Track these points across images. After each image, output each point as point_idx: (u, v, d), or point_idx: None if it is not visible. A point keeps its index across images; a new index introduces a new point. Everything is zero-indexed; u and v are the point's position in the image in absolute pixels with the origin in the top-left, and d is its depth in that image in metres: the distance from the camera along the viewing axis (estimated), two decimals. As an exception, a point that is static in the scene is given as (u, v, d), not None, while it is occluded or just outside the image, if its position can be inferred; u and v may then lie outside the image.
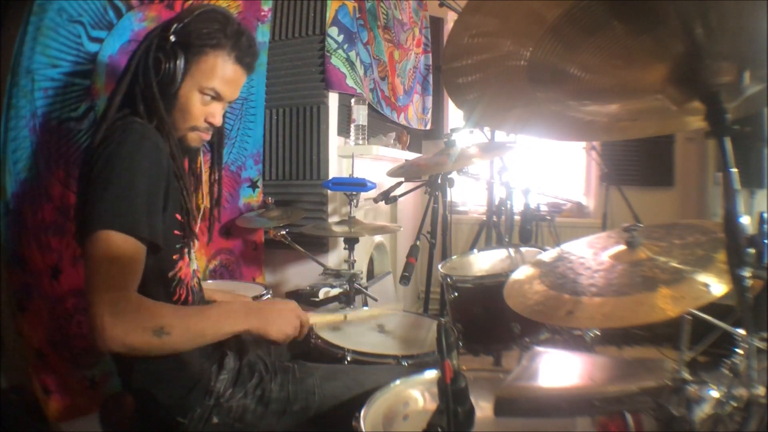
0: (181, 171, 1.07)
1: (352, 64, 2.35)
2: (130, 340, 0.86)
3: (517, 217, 2.45)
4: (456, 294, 1.39)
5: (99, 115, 1.11)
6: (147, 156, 0.97)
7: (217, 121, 1.13)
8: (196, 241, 1.16)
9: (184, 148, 1.14)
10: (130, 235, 0.90)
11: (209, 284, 1.86)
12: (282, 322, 1.02)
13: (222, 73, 1.09)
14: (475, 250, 1.73)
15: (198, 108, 1.09)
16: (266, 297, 1.61)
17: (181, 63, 1.05)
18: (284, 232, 1.97)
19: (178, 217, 1.07)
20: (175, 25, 1.05)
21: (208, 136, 1.17)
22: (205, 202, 1.31)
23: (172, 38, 1.04)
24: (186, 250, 1.11)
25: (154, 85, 1.04)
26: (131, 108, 1.06)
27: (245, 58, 1.11)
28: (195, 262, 1.18)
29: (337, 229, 1.97)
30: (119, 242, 0.89)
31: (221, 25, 1.08)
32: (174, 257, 1.06)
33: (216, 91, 1.09)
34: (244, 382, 1.08)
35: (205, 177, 1.31)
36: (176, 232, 1.06)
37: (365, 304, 2.05)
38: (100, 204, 0.91)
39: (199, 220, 1.20)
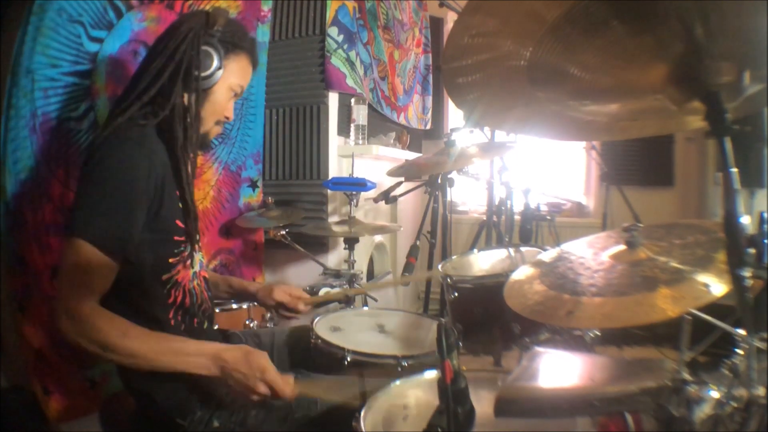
0: (184, 173, 1.08)
1: (352, 64, 2.35)
2: (81, 344, 0.93)
3: (517, 217, 2.45)
4: (456, 294, 1.39)
5: (119, 100, 1.11)
6: (136, 167, 0.98)
7: (232, 116, 1.21)
8: (198, 245, 1.16)
9: (206, 142, 1.20)
10: (101, 249, 0.94)
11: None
12: (243, 381, 0.96)
13: (246, 72, 1.19)
14: (475, 250, 1.73)
15: (225, 103, 1.17)
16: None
17: (224, 60, 1.11)
18: (284, 232, 1.97)
19: (178, 222, 1.07)
20: (216, 23, 1.11)
21: (220, 131, 1.24)
22: (205, 202, 1.32)
23: (219, 35, 1.10)
24: (186, 253, 1.10)
25: (199, 78, 1.08)
26: (155, 101, 1.06)
27: (255, 59, 1.22)
28: (199, 264, 1.17)
29: (337, 229, 1.98)
30: (88, 254, 0.93)
31: (246, 31, 1.19)
32: (170, 261, 1.06)
33: (242, 88, 1.19)
34: None
35: (205, 176, 1.31)
36: (175, 237, 1.06)
37: (365, 304, 2.05)
38: (80, 211, 0.95)
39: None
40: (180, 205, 1.08)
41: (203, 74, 1.08)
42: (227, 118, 1.20)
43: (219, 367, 0.97)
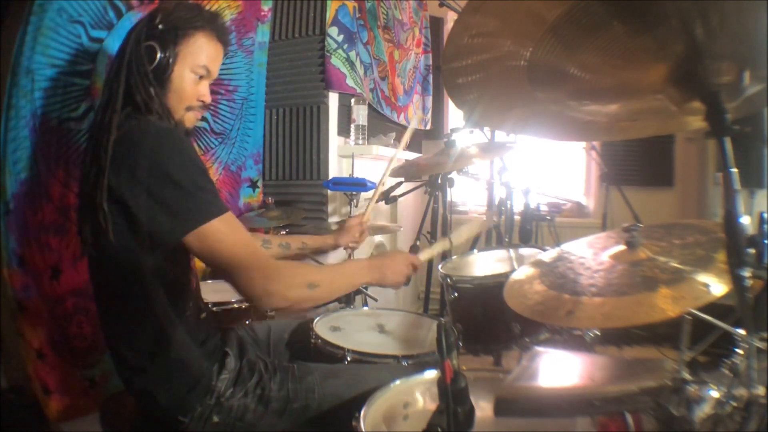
0: None
1: (352, 64, 2.35)
2: (291, 295, 1.00)
3: (517, 217, 2.45)
4: (456, 294, 1.39)
5: (97, 112, 1.12)
6: (184, 146, 1.02)
7: (208, 98, 1.20)
8: None
9: (182, 130, 1.19)
10: (225, 213, 0.98)
11: (209, 284, 1.86)
12: (395, 273, 1.18)
13: (208, 51, 1.17)
14: (475, 250, 1.73)
15: (191, 87, 1.16)
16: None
17: (172, 47, 1.11)
18: (284, 232, 1.97)
19: None
20: (160, 15, 1.12)
21: (200, 116, 1.23)
22: None
23: (160, 26, 1.11)
24: None
25: (150, 73, 1.09)
26: (130, 103, 1.08)
27: (223, 35, 1.20)
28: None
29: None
30: (224, 225, 0.97)
31: (199, 10, 1.18)
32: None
33: (207, 68, 1.17)
34: (244, 382, 1.08)
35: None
36: None
37: (365, 304, 2.05)
38: (186, 203, 0.96)
39: None
40: None
41: (151, 68, 1.09)
42: (202, 101, 1.18)
43: (376, 268, 1.16)
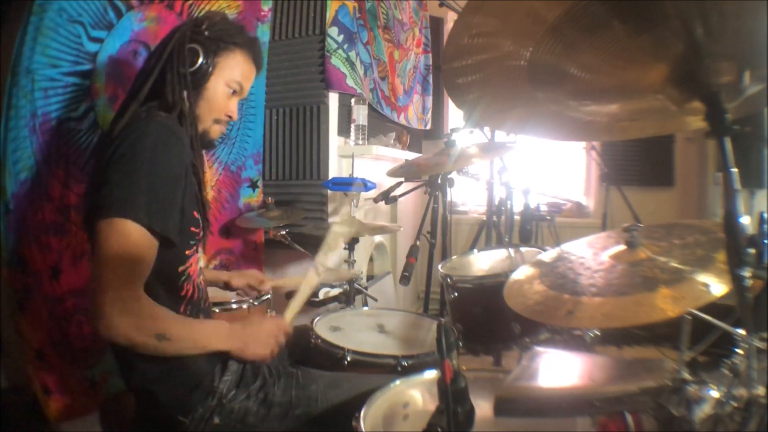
0: (198, 166, 1.12)
1: (352, 64, 2.34)
2: (133, 338, 0.91)
3: (517, 217, 2.45)
4: (456, 294, 1.39)
5: (123, 101, 1.13)
6: (171, 150, 1.00)
7: (235, 115, 1.21)
8: (207, 237, 1.18)
9: (206, 141, 1.21)
10: (146, 228, 0.92)
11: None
12: (259, 344, 1.08)
13: (243, 69, 1.19)
14: (475, 250, 1.73)
15: (223, 101, 1.18)
16: (266, 297, 1.62)
17: (213, 57, 1.13)
18: (284, 232, 1.97)
19: (195, 214, 1.09)
20: (207, 22, 1.14)
21: (225, 130, 1.25)
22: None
23: (207, 33, 1.13)
24: (199, 246, 1.12)
25: (188, 75, 1.10)
26: (157, 99, 1.09)
27: (258, 59, 1.24)
28: (202, 259, 1.18)
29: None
30: (134, 233, 0.91)
31: (242, 29, 1.20)
32: (187, 253, 1.08)
33: (240, 85, 1.19)
34: (247, 385, 1.08)
35: (205, 177, 1.31)
36: (192, 228, 1.08)
37: (365, 304, 2.05)
38: (119, 190, 0.92)
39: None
40: (197, 196, 1.11)
41: (190, 70, 1.10)
42: (230, 117, 1.20)
43: (237, 336, 1.05)
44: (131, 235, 0.91)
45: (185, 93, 1.10)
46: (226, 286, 1.49)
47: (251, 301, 1.58)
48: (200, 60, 1.11)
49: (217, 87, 1.15)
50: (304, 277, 1.27)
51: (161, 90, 1.09)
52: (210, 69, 1.13)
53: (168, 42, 1.12)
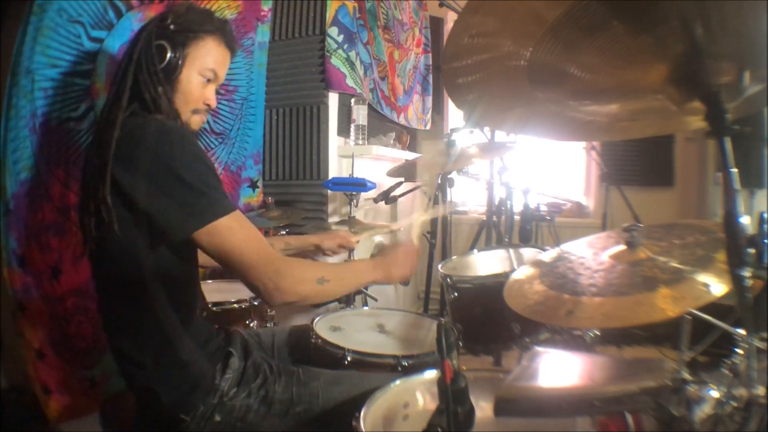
0: None
1: (352, 64, 2.35)
2: (302, 291, 1.01)
3: (517, 217, 2.45)
4: (456, 294, 1.39)
5: (104, 108, 1.13)
6: (191, 142, 1.03)
7: (213, 102, 1.21)
8: None
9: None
10: (234, 211, 0.99)
11: (209, 284, 1.86)
12: (400, 268, 1.19)
13: (216, 55, 1.18)
14: (475, 250, 1.72)
15: (198, 90, 1.17)
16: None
17: (182, 48, 1.13)
18: (284, 232, 1.97)
19: None
20: (171, 16, 1.13)
21: (205, 119, 1.24)
22: None
23: (172, 27, 1.12)
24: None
25: (159, 72, 1.10)
26: (138, 101, 1.09)
27: (231, 42, 1.22)
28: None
29: (337, 229, 1.97)
30: (233, 222, 0.98)
31: (209, 15, 1.20)
32: (196, 255, 1.12)
33: (214, 72, 1.18)
34: (248, 382, 1.08)
35: None
36: None
37: (365, 304, 2.05)
38: (196, 200, 0.97)
39: None
40: None
41: (160, 67, 1.10)
42: (207, 105, 1.19)
43: (381, 266, 1.16)
44: (240, 221, 0.99)
45: (160, 89, 1.10)
46: (318, 249, 1.54)
47: (251, 301, 1.58)
48: (168, 54, 1.10)
49: (190, 78, 1.14)
50: (387, 224, 1.39)
51: (138, 92, 1.09)
52: (180, 61, 1.12)
53: (136, 43, 1.12)
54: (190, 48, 1.14)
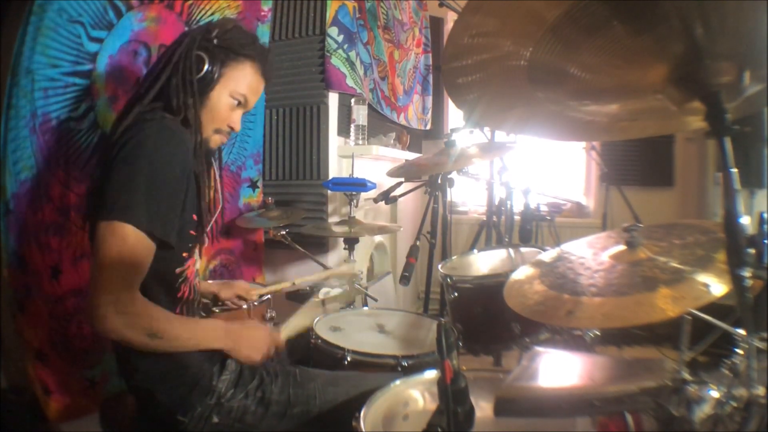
0: (200, 170, 1.11)
1: (352, 64, 2.34)
2: (127, 335, 0.93)
3: (517, 217, 2.45)
4: (456, 294, 1.39)
5: (128, 100, 1.13)
6: (174, 153, 1.00)
7: (238, 127, 1.19)
8: (206, 240, 1.18)
9: (204, 150, 1.18)
10: (146, 233, 0.94)
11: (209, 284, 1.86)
12: (251, 348, 1.09)
13: (250, 81, 1.17)
14: (475, 250, 1.72)
15: (226, 111, 1.16)
16: (266, 298, 1.62)
17: (219, 66, 1.11)
18: (284, 232, 1.97)
19: (194, 216, 1.09)
20: (217, 30, 1.12)
21: (226, 140, 1.22)
22: (217, 205, 1.34)
23: (216, 41, 1.11)
24: (196, 248, 1.13)
25: (194, 82, 1.09)
26: (162, 101, 1.08)
27: (268, 72, 1.22)
28: (199, 261, 1.19)
29: (337, 229, 1.97)
30: (133, 238, 0.93)
31: (254, 40, 1.18)
32: (184, 255, 1.08)
33: (245, 97, 1.17)
34: (245, 384, 1.08)
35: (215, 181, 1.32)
36: (191, 231, 1.08)
37: (365, 304, 2.05)
38: (121, 194, 0.93)
39: (212, 221, 1.23)
40: (197, 199, 1.11)
41: (197, 77, 1.09)
42: (231, 128, 1.18)
43: (232, 336, 1.07)
44: (130, 239, 0.92)
45: (190, 100, 1.09)
46: (215, 299, 1.50)
47: (252, 302, 1.58)
48: (206, 67, 1.09)
49: (221, 97, 1.14)
50: (287, 282, 1.30)
51: (167, 94, 1.09)
52: (215, 78, 1.11)
53: (177, 46, 1.11)
54: (227, 68, 1.13)
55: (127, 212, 0.92)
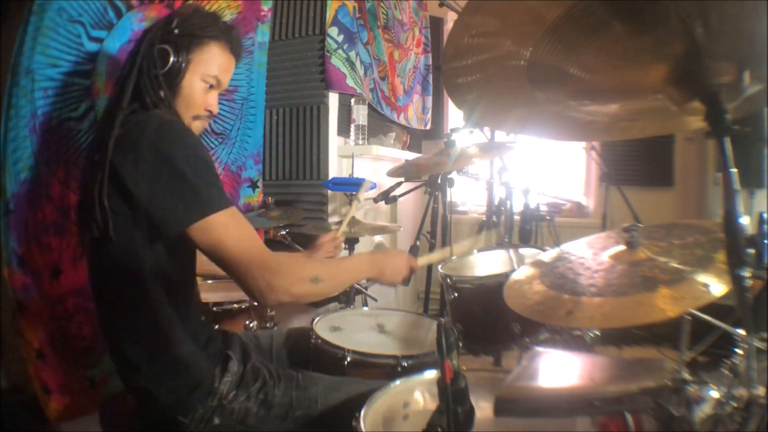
0: None
1: (352, 64, 2.35)
2: (295, 289, 0.98)
3: (517, 217, 2.45)
4: (456, 294, 1.39)
5: (105, 108, 1.14)
6: (185, 130, 1.02)
7: (215, 108, 1.19)
8: None
9: None
10: (230, 207, 0.98)
11: (209, 284, 1.86)
12: (394, 272, 1.20)
13: (220, 61, 1.17)
14: (475, 250, 1.72)
15: (200, 96, 1.16)
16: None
17: (185, 53, 1.11)
18: (284, 232, 1.97)
19: None
20: (176, 20, 1.12)
21: (206, 125, 1.23)
22: None
23: (176, 31, 1.11)
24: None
25: (161, 77, 1.09)
26: (138, 101, 1.08)
27: (236, 48, 1.20)
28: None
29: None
30: (228, 218, 0.97)
31: (215, 20, 1.18)
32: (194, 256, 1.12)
33: (216, 78, 1.16)
34: (247, 386, 1.07)
35: None
36: None
37: (365, 304, 2.05)
38: (191, 194, 0.95)
39: None
40: None
41: (162, 71, 1.09)
42: (210, 111, 1.18)
43: (376, 264, 1.17)
44: (228, 221, 0.97)
45: (162, 93, 1.09)
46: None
47: (250, 301, 1.58)
48: (171, 59, 1.09)
49: (192, 83, 1.13)
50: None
51: (139, 94, 1.08)
52: (183, 66, 1.11)
53: (140, 45, 1.11)
54: (193, 53, 1.12)
55: (214, 202, 0.96)
